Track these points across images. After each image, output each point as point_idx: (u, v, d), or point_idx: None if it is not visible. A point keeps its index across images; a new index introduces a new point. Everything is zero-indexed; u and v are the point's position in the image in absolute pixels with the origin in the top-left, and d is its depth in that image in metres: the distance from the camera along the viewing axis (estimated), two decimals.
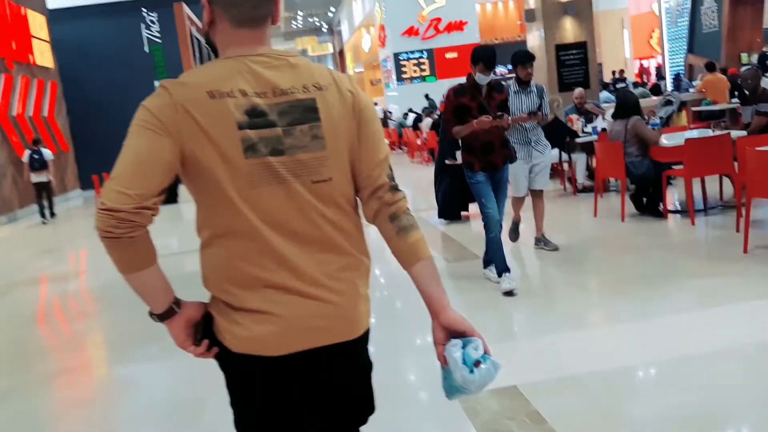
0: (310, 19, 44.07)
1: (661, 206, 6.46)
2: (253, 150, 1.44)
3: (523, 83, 5.45)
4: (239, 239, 1.47)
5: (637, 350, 3.64)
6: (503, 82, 5.34)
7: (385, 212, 1.59)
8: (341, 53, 43.77)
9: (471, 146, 4.70)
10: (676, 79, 15.23)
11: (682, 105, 9.16)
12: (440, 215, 7.65)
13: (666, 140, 6.58)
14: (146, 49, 19.87)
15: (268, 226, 1.46)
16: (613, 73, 21.42)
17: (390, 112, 22.93)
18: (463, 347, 1.48)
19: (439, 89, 24.92)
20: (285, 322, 1.48)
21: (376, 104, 27.52)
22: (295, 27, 44.34)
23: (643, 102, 11.19)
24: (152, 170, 1.39)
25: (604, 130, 8.21)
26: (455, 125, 4.68)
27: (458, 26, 26.30)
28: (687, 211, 6.45)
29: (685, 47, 22.09)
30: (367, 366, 1.68)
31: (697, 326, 3.83)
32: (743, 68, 11.12)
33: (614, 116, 6.74)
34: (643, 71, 27.51)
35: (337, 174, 1.53)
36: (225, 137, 1.42)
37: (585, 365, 3.48)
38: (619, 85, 17.68)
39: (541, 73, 12.05)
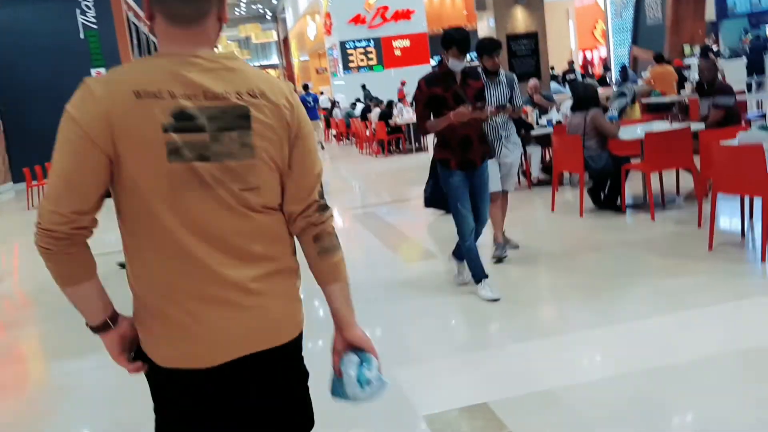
0: (254, 6, 43.21)
1: (620, 201, 6.32)
2: (177, 154, 1.39)
3: (491, 74, 5.01)
4: (160, 247, 1.43)
5: (609, 360, 3.44)
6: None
7: (310, 232, 1.59)
8: (285, 41, 43.05)
9: (446, 141, 4.28)
10: (623, 70, 15.25)
11: (635, 97, 9.10)
12: (427, 204, 7.07)
13: (623, 134, 6.44)
14: (81, 35, 18.94)
15: (190, 233, 1.42)
16: (570, 64, 21.46)
17: (337, 102, 22.51)
18: (360, 364, 1.57)
19: (386, 79, 24.74)
20: (210, 333, 1.45)
21: (321, 93, 27.20)
22: (238, 14, 43.40)
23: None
24: (83, 187, 1.38)
25: (559, 122, 8.07)
26: (428, 119, 4.26)
27: (405, 15, 26.05)
28: (645, 206, 6.34)
29: (630, 39, 22.37)
30: (303, 373, 1.66)
31: (668, 332, 3.64)
32: (698, 59, 11.14)
33: (573, 108, 6.57)
34: (587, 63, 27.77)
35: (266, 182, 1.49)
36: (148, 139, 1.38)
37: (557, 378, 3.25)
38: (569, 77, 17.69)
39: None
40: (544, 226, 6.57)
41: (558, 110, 8.67)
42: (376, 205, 8.81)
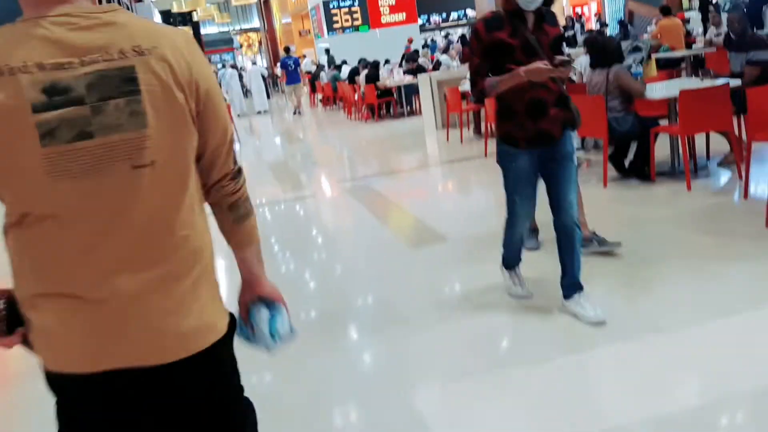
0: None
1: (648, 168, 5.63)
2: (53, 136, 1.20)
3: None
4: (36, 242, 1.26)
5: (688, 381, 2.76)
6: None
7: (225, 202, 1.48)
8: (266, 3, 41.70)
9: (509, 109, 3.16)
10: (621, 25, 14.48)
11: (650, 52, 8.36)
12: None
13: (649, 92, 5.71)
14: None
15: (72, 227, 1.25)
16: (569, 19, 20.60)
17: (322, 65, 21.55)
18: (271, 318, 1.54)
19: (372, 40, 23.75)
20: (95, 335, 1.28)
21: (304, 56, 26.14)
22: None
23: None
24: None
25: (572, 81, 7.32)
26: (486, 75, 3.10)
27: None
28: (675, 174, 5.66)
29: None
30: (226, 386, 1.47)
31: (751, 339, 2.98)
32: (728, 10, 10.40)
33: (592, 65, 5.82)
34: (579, 17, 26.89)
35: (163, 157, 1.28)
36: (14, 125, 1.19)
37: (624, 407, 2.58)
38: (569, 33, 16.86)
39: None
40: None
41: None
42: (370, 176, 8.06)
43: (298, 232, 5.97)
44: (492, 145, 7.99)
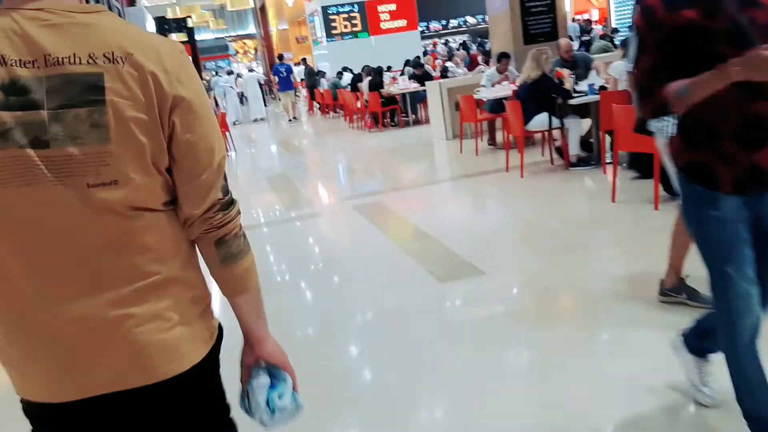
0: None
1: None
2: (5, 138, 1.10)
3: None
4: None
5: None
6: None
7: (211, 236, 1.29)
8: (263, 9, 41.12)
9: (710, 130, 1.98)
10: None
11: None
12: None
13: None
14: None
15: (17, 243, 1.13)
16: (586, 23, 20.03)
17: (323, 72, 20.86)
18: (271, 387, 1.36)
19: (372, 46, 23.11)
20: (56, 365, 1.18)
21: (304, 60, 25.57)
22: None
23: (609, 57, 9.70)
24: None
25: (603, 88, 6.64)
26: (664, 80, 1.92)
27: None
28: None
29: None
30: (202, 413, 1.33)
31: None
32: None
33: None
34: (587, 23, 26.33)
35: (128, 175, 1.15)
36: None
37: None
38: (584, 38, 16.24)
39: (503, 22, 10.41)
40: (615, 225, 5.09)
41: (598, 73, 7.24)
42: (380, 193, 7.34)
43: (303, 259, 5.25)
44: (515, 157, 7.47)
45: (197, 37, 45.61)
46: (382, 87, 13.22)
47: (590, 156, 6.89)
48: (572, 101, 6.66)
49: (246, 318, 1.37)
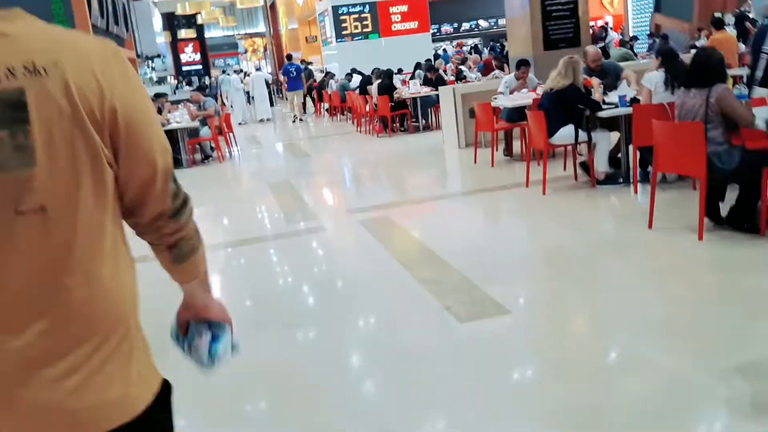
0: None
1: (758, 219, 4.39)
2: None
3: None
4: None
5: None
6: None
7: (164, 242, 1.25)
8: (272, 7, 40.69)
9: None
10: (664, 38, 13.26)
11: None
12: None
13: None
14: None
15: None
16: (601, 29, 19.52)
17: (332, 74, 20.34)
18: (214, 341, 1.39)
19: (382, 48, 22.58)
20: None
21: (310, 63, 25.07)
22: None
23: (631, 66, 9.17)
24: None
25: (636, 100, 6.10)
26: None
27: None
28: None
29: (651, 6, 20.37)
30: None
31: None
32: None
33: (689, 83, 4.59)
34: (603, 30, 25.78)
35: (58, 202, 1.05)
36: None
37: None
38: (599, 45, 15.68)
39: (522, 26, 9.88)
40: (656, 257, 4.45)
41: (629, 84, 6.69)
42: (389, 206, 6.79)
43: (301, 285, 4.72)
44: (539, 172, 6.91)
45: (206, 34, 45.37)
46: (393, 90, 12.70)
47: (618, 173, 6.35)
48: (602, 114, 6.12)
49: (192, 293, 1.36)
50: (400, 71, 17.20)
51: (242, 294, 4.51)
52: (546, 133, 6.15)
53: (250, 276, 5.02)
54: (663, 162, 4.71)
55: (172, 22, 43.18)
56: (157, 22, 22.83)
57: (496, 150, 8.41)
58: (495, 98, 8.34)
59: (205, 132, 11.47)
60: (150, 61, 25.76)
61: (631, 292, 3.80)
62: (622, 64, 9.09)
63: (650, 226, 4.79)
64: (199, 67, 43.42)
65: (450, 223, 5.94)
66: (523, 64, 8.45)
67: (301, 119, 17.82)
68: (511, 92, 8.36)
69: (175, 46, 44.22)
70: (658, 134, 4.67)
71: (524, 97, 8.01)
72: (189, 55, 44.76)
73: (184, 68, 43.70)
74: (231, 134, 12.58)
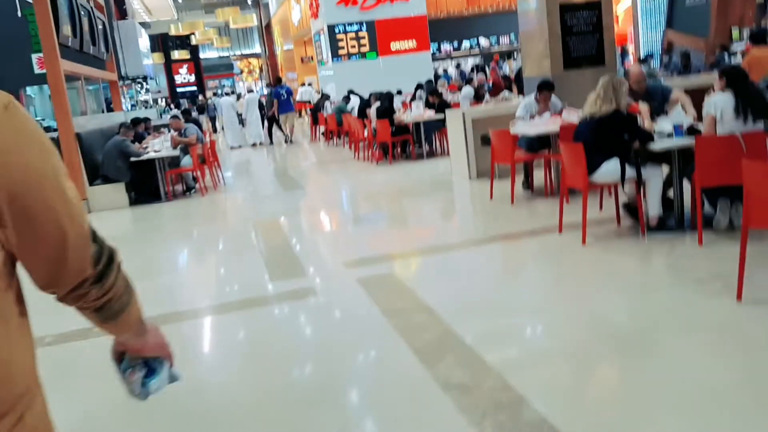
0: None
1: None
2: None
3: None
4: None
5: None
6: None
7: (89, 307, 1.15)
8: (267, 28, 39.85)
9: None
10: (684, 56, 12.24)
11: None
12: None
13: None
14: (19, 13, 15.65)
15: None
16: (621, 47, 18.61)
17: (328, 95, 19.26)
18: (148, 377, 1.36)
19: (372, 69, 21.57)
20: None
21: (309, 84, 24.11)
22: None
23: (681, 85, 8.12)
24: None
25: (695, 131, 4.98)
26: None
27: None
28: None
29: (663, 22, 19.38)
30: None
31: None
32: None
33: None
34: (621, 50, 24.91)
35: None
36: None
37: None
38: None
39: (539, 42, 8.78)
40: (755, 350, 3.28)
41: (684, 109, 5.56)
42: (394, 258, 5.64)
43: (281, 379, 3.56)
44: (572, 213, 5.69)
45: (201, 55, 44.50)
46: (393, 114, 11.60)
47: (669, 216, 5.22)
48: (654, 146, 4.99)
49: (125, 340, 1.31)
50: (399, 92, 16.16)
51: (184, 403, 3.33)
52: (586, 169, 5.03)
53: (202, 368, 3.87)
54: (758, 216, 3.55)
55: (166, 43, 42.38)
56: (144, 43, 21.78)
57: (516, 184, 7.29)
58: (514, 124, 7.24)
59: (186, 162, 10.34)
60: (144, 82, 24.69)
61: (726, 405, 2.64)
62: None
63: (739, 297, 3.63)
64: (194, 88, 42.59)
65: (472, 286, 4.75)
66: (545, 87, 7.33)
67: (292, 141, 17.62)
68: (532, 117, 7.25)
69: (170, 67, 43.40)
70: (751, 177, 3.54)
71: (549, 123, 6.90)
72: (183, 76, 43.93)
73: (179, 89, 42.83)
74: (216, 164, 11.44)
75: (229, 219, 8.81)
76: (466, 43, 32.35)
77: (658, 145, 4.99)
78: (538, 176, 7.40)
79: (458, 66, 27.89)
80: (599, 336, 3.59)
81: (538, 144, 7.14)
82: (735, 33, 17.27)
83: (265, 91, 22.81)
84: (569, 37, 8.69)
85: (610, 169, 5.03)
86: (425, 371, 3.28)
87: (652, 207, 5.09)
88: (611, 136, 5.05)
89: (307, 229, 7.51)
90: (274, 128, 17.92)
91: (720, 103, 4.75)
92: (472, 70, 26.08)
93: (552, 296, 4.44)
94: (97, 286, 1.12)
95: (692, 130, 4.99)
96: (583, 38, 8.73)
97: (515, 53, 28.71)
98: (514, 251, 5.45)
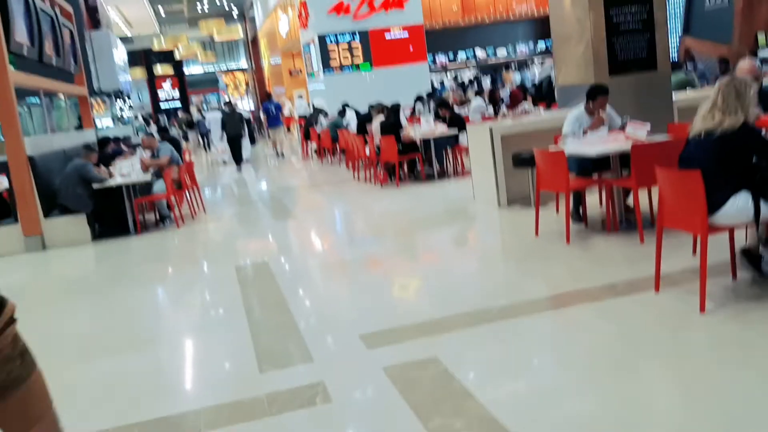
0: (218, 3, 38.34)
1: None
2: None
3: None
4: None
5: None
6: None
7: None
8: (254, 41, 38.41)
9: None
10: (725, 62, 10.89)
11: None
12: None
13: None
14: None
15: None
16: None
17: (321, 109, 17.77)
18: None
19: (365, 81, 20.18)
20: None
21: (300, 96, 22.75)
22: (200, 11, 38.48)
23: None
24: None
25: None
26: None
27: (398, 3, 21.45)
28: None
29: (680, 28, 18.11)
30: None
31: None
32: None
33: None
34: None
35: None
36: None
37: None
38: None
39: (579, 45, 7.35)
40: None
41: None
42: (432, 331, 4.12)
43: None
44: (676, 259, 3.94)
45: (186, 70, 43.00)
46: (400, 128, 10.13)
47: None
48: None
49: None
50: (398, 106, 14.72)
51: None
52: (705, 206, 3.55)
53: None
54: None
55: (149, 58, 40.86)
56: (121, 53, 20.24)
57: (557, 212, 5.82)
58: (563, 142, 5.78)
59: (159, 187, 8.79)
60: (127, 98, 23.13)
61: None
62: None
63: None
64: (178, 104, 41.13)
65: (558, 381, 3.25)
66: (599, 92, 5.87)
67: (282, 154, 17.69)
68: (585, 133, 5.80)
69: (153, 82, 41.90)
70: None
71: (611, 141, 5.45)
72: (167, 91, 42.44)
73: (162, 105, 41.31)
74: (195, 188, 9.87)
75: (204, 263, 7.12)
76: (462, 55, 31.03)
77: None
78: (592, 201, 5.94)
79: (455, 78, 26.58)
80: None
81: (594, 166, 5.69)
82: (761, 38, 16.03)
83: (253, 107, 21.94)
84: (615, 37, 7.26)
85: (740, 206, 3.56)
86: None
87: None
88: (738, 160, 3.59)
89: (305, 280, 5.88)
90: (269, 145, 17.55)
91: None
92: (471, 81, 24.78)
93: (692, 411, 2.91)
94: None
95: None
96: (632, 38, 7.30)
97: (513, 65, 27.51)
98: (601, 322, 3.87)
